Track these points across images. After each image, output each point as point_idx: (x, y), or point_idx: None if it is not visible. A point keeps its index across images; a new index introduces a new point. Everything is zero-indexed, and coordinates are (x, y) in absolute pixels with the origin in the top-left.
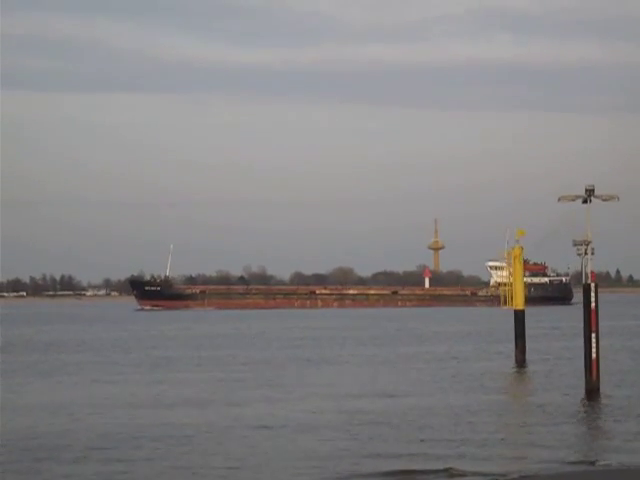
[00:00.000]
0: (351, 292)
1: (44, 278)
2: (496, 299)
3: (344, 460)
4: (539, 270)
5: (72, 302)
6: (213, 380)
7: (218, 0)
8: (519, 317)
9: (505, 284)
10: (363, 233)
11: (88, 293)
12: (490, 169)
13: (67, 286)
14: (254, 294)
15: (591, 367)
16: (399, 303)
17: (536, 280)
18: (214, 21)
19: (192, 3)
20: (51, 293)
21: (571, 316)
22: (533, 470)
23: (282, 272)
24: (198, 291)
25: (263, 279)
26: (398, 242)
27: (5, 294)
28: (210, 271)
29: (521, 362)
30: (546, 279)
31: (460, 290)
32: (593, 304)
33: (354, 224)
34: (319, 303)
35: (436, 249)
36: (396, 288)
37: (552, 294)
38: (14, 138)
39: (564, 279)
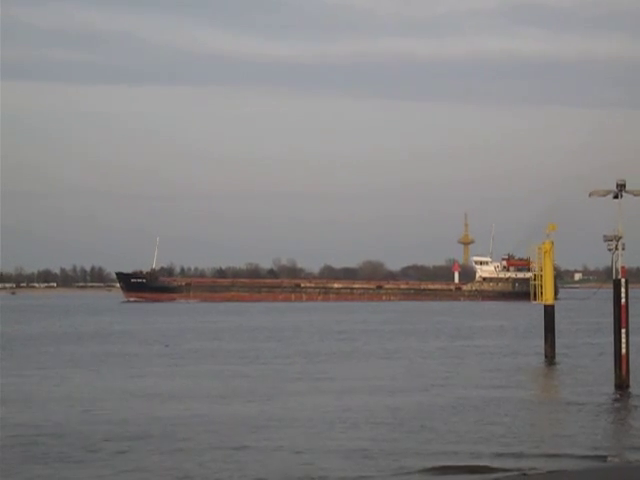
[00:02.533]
0: (336, 286)
1: (74, 269)
2: (480, 294)
3: (380, 457)
4: (524, 265)
5: (102, 294)
6: (254, 373)
7: None
8: (549, 312)
9: (491, 279)
10: (394, 226)
11: (118, 284)
12: (522, 163)
13: (97, 277)
14: (239, 287)
15: (621, 363)
16: (383, 297)
17: (521, 275)
18: (246, 14)
19: None
20: (81, 284)
21: (576, 312)
22: (560, 466)
23: (312, 265)
24: (183, 284)
25: (293, 272)
26: (430, 235)
27: (36, 285)
28: (240, 264)
29: (551, 357)
30: (530, 274)
31: (445, 285)
32: (623, 300)
33: (385, 217)
34: (303, 297)
35: (466, 243)
36: (381, 282)
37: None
38: (39, 131)
39: None
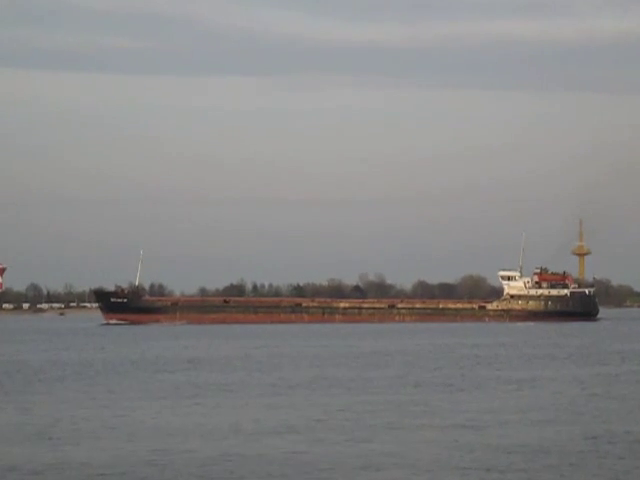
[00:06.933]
0: (342, 305)
1: (131, 287)
2: (507, 314)
3: None
4: (559, 280)
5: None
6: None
7: None
8: None
9: (520, 297)
10: (500, 235)
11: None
12: None
13: (158, 294)
14: (232, 307)
15: None
16: (396, 318)
17: (555, 292)
18: None
19: None
20: None
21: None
22: None
23: (403, 281)
24: (169, 303)
25: (381, 289)
26: (539, 246)
27: (87, 305)
28: (321, 280)
29: None
30: (566, 291)
31: (467, 303)
32: None
33: (488, 224)
34: (305, 317)
35: (581, 255)
36: (393, 301)
37: (573, 308)
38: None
39: (587, 291)
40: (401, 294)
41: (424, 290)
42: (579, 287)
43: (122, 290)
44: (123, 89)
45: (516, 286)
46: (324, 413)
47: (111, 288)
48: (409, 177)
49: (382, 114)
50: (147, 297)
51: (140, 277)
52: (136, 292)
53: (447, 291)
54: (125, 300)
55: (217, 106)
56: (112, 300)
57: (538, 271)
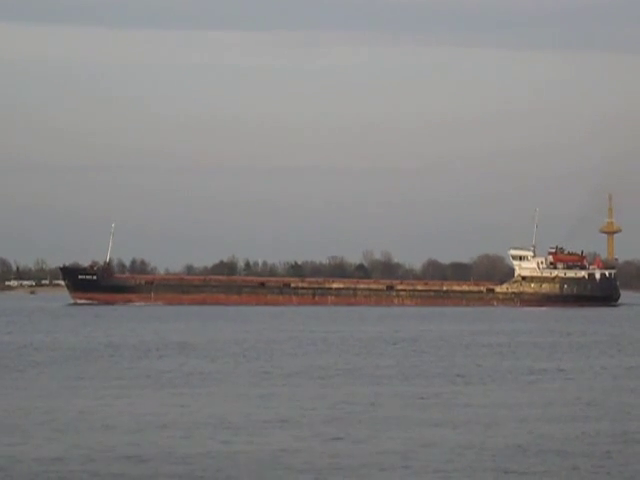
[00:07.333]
0: (335, 286)
1: (109, 262)
2: (518, 297)
3: None
4: (576, 261)
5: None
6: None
7: None
8: None
9: (532, 278)
10: (520, 212)
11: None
12: None
13: (139, 271)
14: (213, 287)
15: None
16: (395, 301)
17: (571, 274)
18: None
19: None
20: None
21: None
22: None
23: (412, 259)
24: (144, 282)
25: (388, 269)
26: (563, 224)
27: (61, 282)
28: (321, 257)
29: None
30: (584, 273)
31: (474, 285)
32: None
33: (506, 199)
34: (293, 299)
35: (610, 233)
36: (392, 282)
37: (592, 292)
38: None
39: (608, 273)
40: (409, 274)
41: (435, 270)
42: (607, 269)
43: (92, 267)
44: (105, 43)
45: (528, 267)
46: (322, 406)
47: (87, 265)
48: (420, 145)
49: (392, 74)
50: (125, 275)
51: (113, 252)
52: (106, 269)
53: (460, 271)
54: (94, 278)
55: (209, 64)
56: (80, 277)
57: (553, 250)
